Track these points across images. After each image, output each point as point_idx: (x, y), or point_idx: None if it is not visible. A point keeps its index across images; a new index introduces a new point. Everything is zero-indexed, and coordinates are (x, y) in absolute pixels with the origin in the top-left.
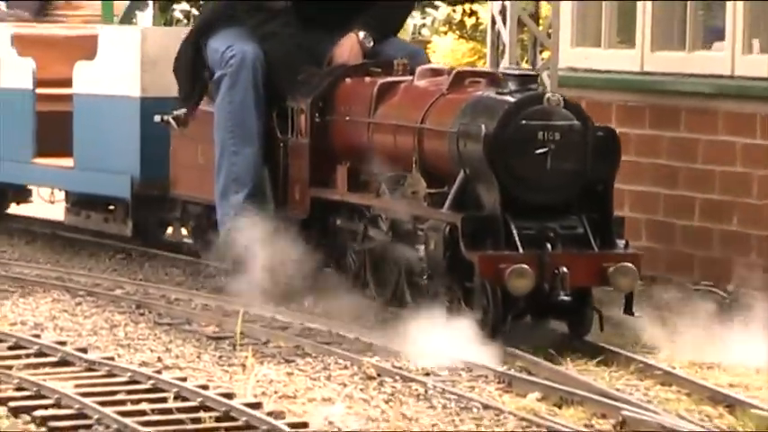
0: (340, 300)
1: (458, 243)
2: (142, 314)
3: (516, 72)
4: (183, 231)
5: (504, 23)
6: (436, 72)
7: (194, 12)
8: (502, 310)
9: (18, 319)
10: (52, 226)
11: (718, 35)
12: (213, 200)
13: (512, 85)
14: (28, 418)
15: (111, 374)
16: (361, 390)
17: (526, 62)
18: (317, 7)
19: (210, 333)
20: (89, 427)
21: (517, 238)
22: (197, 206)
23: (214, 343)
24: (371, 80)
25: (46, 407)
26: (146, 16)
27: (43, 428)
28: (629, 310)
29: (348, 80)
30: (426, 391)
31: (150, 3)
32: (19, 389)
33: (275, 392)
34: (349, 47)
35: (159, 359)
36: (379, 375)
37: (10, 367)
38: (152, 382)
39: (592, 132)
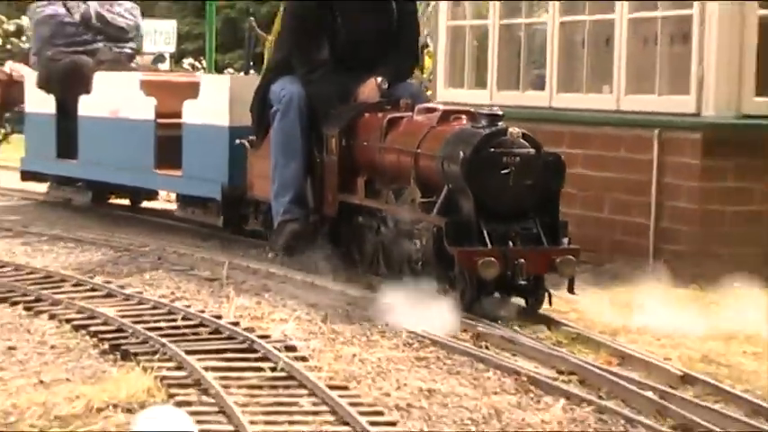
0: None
1: (443, 240)
2: (161, 263)
3: (487, 112)
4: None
5: None
6: (430, 110)
7: (197, 64)
8: (476, 290)
9: (79, 266)
10: (167, 216)
11: (542, 81)
12: None
13: (484, 122)
14: (84, 332)
15: (140, 303)
16: (306, 313)
17: None
18: (349, 61)
19: (206, 276)
20: (125, 337)
21: (487, 237)
22: (265, 204)
23: (209, 283)
24: (383, 115)
25: (97, 324)
26: (165, 67)
27: (95, 339)
28: (571, 290)
29: (367, 114)
30: (348, 314)
31: (168, 57)
32: (79, 312)
33: (248, 315)
34: (369, 88)
35: (172, 293)
36: (317, 304)
37: (73, 298)
38: (167, 308)
39: (543, 157)
